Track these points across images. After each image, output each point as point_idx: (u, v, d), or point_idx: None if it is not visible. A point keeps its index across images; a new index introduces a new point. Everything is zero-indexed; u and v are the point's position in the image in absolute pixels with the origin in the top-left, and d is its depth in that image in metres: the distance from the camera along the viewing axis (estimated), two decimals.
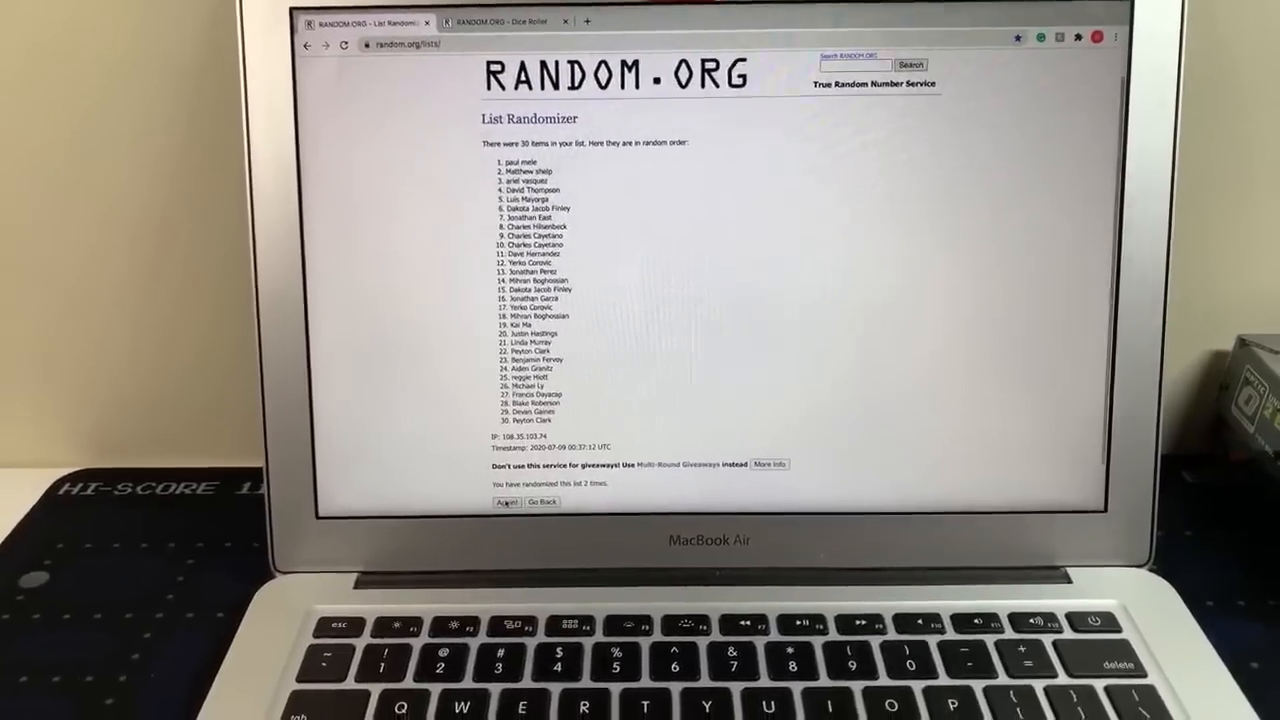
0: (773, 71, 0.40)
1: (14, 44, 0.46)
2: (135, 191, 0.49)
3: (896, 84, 0.40)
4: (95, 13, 0.46)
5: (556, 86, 0.40)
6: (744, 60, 0.40)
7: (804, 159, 0.40)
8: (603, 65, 0.40)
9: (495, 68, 0.40)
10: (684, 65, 0.40)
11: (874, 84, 0.40)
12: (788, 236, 0.41)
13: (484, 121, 0.40)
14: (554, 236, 0.41)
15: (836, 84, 0.40)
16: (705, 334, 0.41)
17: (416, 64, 0.40)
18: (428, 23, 0.40)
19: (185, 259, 0.50)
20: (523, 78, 0.40)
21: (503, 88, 0.40)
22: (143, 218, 0.49)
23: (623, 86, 0.40)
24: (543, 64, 0.40)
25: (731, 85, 0.40)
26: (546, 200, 0.41)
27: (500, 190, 0.41)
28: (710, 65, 0.40)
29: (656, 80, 0.40)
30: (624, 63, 0.40)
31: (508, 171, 0.40)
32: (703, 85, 0.40)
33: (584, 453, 0.42)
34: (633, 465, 0.42)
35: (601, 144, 0.40)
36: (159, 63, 0.46)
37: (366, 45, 0.40)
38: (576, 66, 0.40)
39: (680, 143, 0.40)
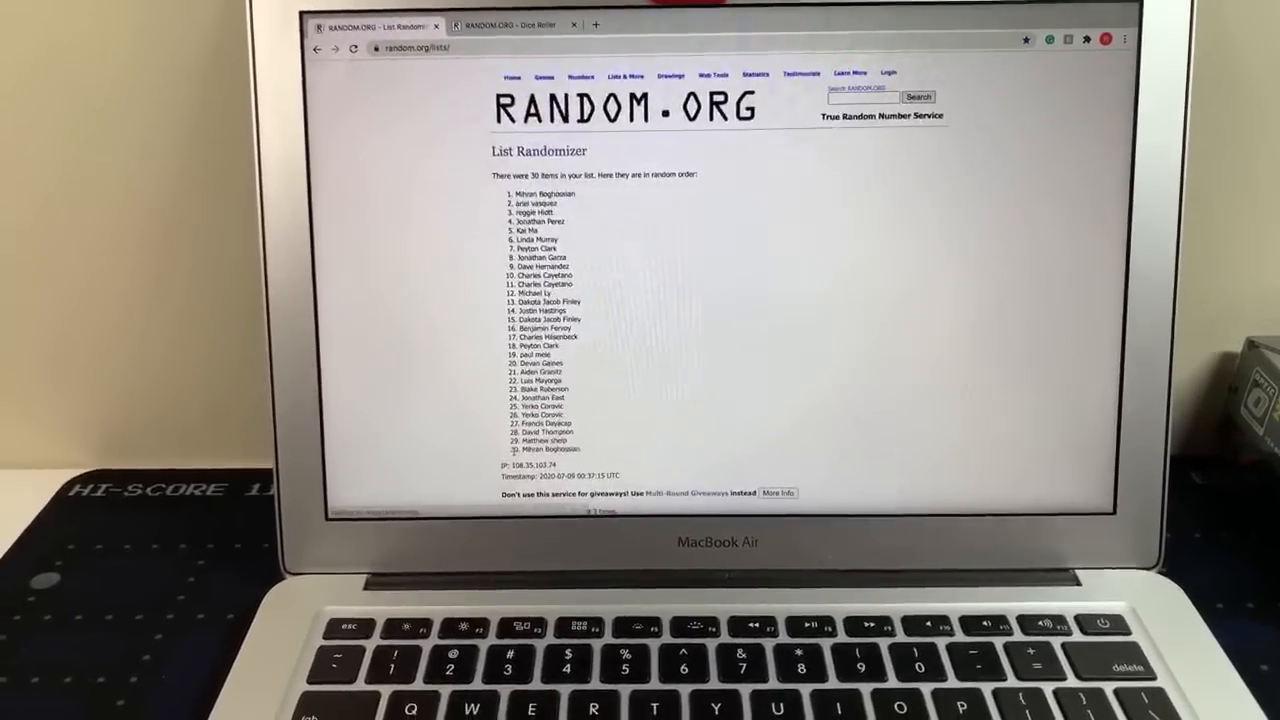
0: (781, 104, 0.40)
1: (24, 46, 0.46)
2: (145, 194, 0.49)
3: (904, 116, 0.40)
4: (104, 16, 0.46)
5: (566, 119, 0.40)
6: (752, 93, 0.40)
7: (813, 191, 0.40)
8: (612, 98, 0.40)
9: (505, 100, 0.40)
10: (693, 98, 0.40)
11: (882, 116, 0.40)
12: (796, 266, 0.41)
13: (494, 154, 0.40)
14: (563, 267, 0.41)
15: (845, 116, 0.40)
16: (714, 365, 0.42)
17: (426, 67, 0.40)
18: (437, 26, 0.40)
19: (195, 261, 0.50)
20: (532, 110, 0.40)
21: (512, 120, 0.40)
22: (152, 220, 0.49)
23: (631, 119, 0.40)
24: (552, 96, 0.40)
25: (740, 118, 0.40)
26: (555, 231, 0.41)
27: (510, 220, 0.41)
28: (719, 98, 0.40)
29: (665, 113, 0.40)
30: (633, 95, 0.40)
31: (517, 203, 0.41)
32: (711, 118, 0.40)
33: (593, 481, 0.42)
34: (641, 494, 0.42)
35: (610, 175, 0.41)
36: (169, 66, 0.46)
37: (376, 49, 0.40)
38: (586, 99, 0.40)
39: (689, 174, 0.40)
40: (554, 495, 0.43)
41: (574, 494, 0.42)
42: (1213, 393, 0.53)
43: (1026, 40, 0.40)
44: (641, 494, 0.42)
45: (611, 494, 0.42)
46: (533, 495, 0.43)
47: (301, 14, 0.40)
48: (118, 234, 0.49)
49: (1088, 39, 0.40)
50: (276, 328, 0.41)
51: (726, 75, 0.40)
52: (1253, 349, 0.50)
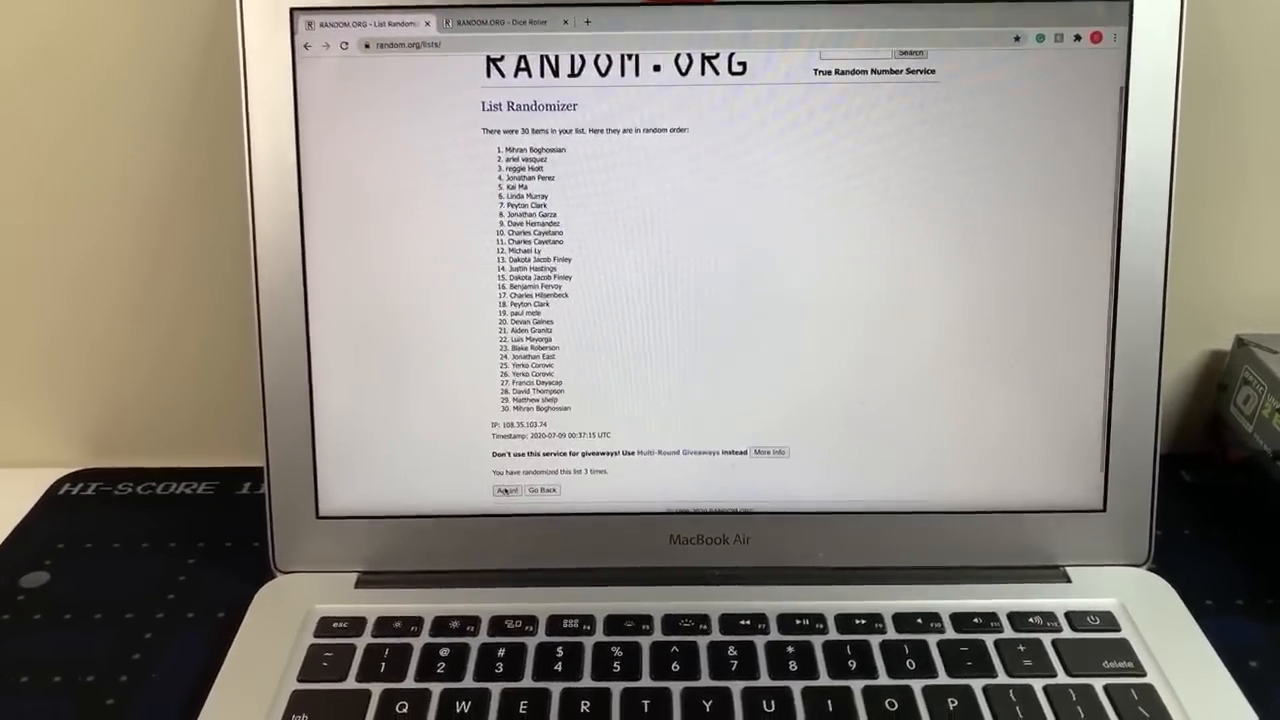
0: (773, 59, 0.40)
1: (13, 44, 0.46)
2: (135, 191, 0.49)
3: (897, 71, 0.40)
4: (94, 13, 0.46)
5: (556, 74, 0.40)
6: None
7: (805, 147, 0.40)
8: (603, 54, 0.40)
9: (495, 56, 0.40)
10: (684, 54, 0.40)
11: (874, 71, 0.40)
12: (788, 225, 0.41)
13: (484, 109, 0.40)
14: (554, 224, 0.41)
15: (837, 71, 0.40)
16: (705, 322, 0.41)
17: (417, 64, 0.40)
18: (428, 23, 0.40)
19: (185, 258, 0.50)
20: (523, 65, 0.40)
21: (503, 75, 0.40)
22: (143, 217, 0.49)
23: (623, 74, 0.40)
24: (543, 54, 0.40)
25: (732, 73, 0.40)
26: (546, 188, 0.41)
27: (500, 178, 0.41)
28: (710, 54, 0.40)
29: (656, 68, 0.40)
30: (624, 52, 0.40)
31: (508, 159, 0.40)
32: (703, 73, 0.40)
33: (584, 440, 0.42)
34: (632, 453, 0.42)
35: (602, 131, 0.40)
36: (159, 63, 0.46)
37: (367, 46, 0.40)
38: (577, 56, 0.40)
39: (680, 130, 0.40)
40: (544, 455, 0.42)
41: (565, 454, 0.42)
42: (1202, 390, 0.53)
43: (1017, 39, 0.40)
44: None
45: (602, 454, 0.42)
46: (524, 455, 0.42)
47: (292, 11, 0.40)
48: (108, 232, 0.49)
49: (1078, 38, 0.40)
50: (267, 325, 0.41)
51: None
52: (1242, 347, 0.50)
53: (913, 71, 0.40)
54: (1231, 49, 0.47)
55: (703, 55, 0.40)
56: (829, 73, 0.40)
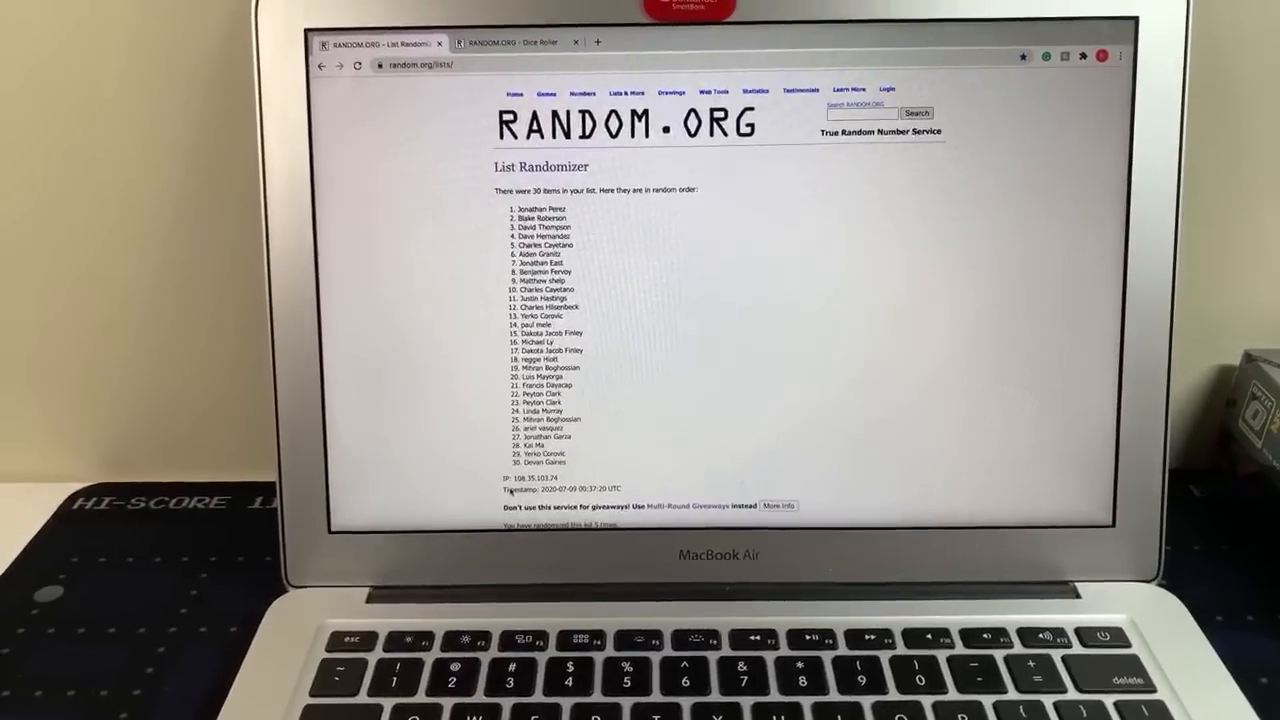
0: (780, 120, 0.40)
1: (26, 58, 0.47)
2: (148, 208, 0.49)
3: (902, 132, 0.40)
4: (109, 28, 0.46)
5: (568, 135, 0.41)
6: (752, 109, 0.40)
7: (812, 206, 0.41)
8: (613, 115, 0.40)
9: (508, 117, 0.40)
10: (693, 114, 0.40)
11: (880, 132, 0.40)
12: (795, 282, 0.41)
13: (496, 170, 0.41)
14: (564, 281, 0.41)
15: (843, 132, 0.40)
16: (716, 381, 0.42)
17: (430, 84, 0.40)
18: (440, 44, 0.40)
19: (199, 274, 0.50)
20: (535, 126, 0.40)
21: (515, 136, 0.41)
22: (157, 234, 0.50)
23: (633, 135, 0.41)
24: (554, 113, 0.40)
25: (740, 134, 0.40)
26: (557, 246, 0.41)
27: (512, 236, 0.41)
28: (719, 114, 0.40)
29: (666, 129, 0.40)
30: (634, 112, 0.40)
31: (520, 218, 0.41)
32: (711, 134, 0.40)
33: (594, 494, 0.43)
34: (642, 507, 0.43)
35: (612, 191, 0.41)
36: (174, 82, 0.47)
37: (380, 66, 0.40)
38: (588, 116, 0.40)
39: (689, 189, 0.41)
40: (555, 508, 0.43)
41: (575, 507, 0.43)
42: (1211, 406, 0.53)
43: (1023, 57, 0.40)
44: (643, 507, 0.43)
45: (612, 507, 0.43)
46: (534, 509, 0.43)
47: (306, 32, 0.40)
48: (121, 247, 0.50)
49: (1084, 56, 0.40)
50: (281, 341, 0.42)
51: (726, 92, 0.40)
52: (1250, 362, 0.50)
53: (918, 125, 0.40)
54: (1237, 65, 0.47)
55: (711, 116, 0.40)
56: (835, 133, 0.40)
